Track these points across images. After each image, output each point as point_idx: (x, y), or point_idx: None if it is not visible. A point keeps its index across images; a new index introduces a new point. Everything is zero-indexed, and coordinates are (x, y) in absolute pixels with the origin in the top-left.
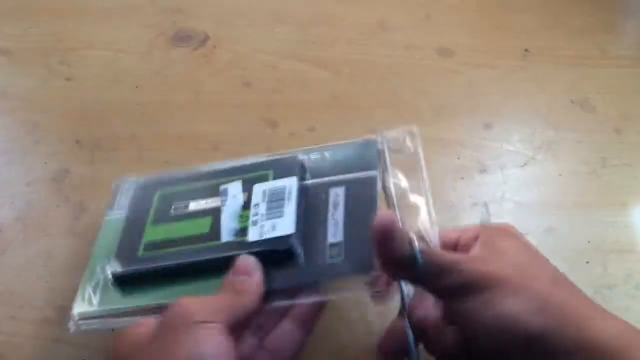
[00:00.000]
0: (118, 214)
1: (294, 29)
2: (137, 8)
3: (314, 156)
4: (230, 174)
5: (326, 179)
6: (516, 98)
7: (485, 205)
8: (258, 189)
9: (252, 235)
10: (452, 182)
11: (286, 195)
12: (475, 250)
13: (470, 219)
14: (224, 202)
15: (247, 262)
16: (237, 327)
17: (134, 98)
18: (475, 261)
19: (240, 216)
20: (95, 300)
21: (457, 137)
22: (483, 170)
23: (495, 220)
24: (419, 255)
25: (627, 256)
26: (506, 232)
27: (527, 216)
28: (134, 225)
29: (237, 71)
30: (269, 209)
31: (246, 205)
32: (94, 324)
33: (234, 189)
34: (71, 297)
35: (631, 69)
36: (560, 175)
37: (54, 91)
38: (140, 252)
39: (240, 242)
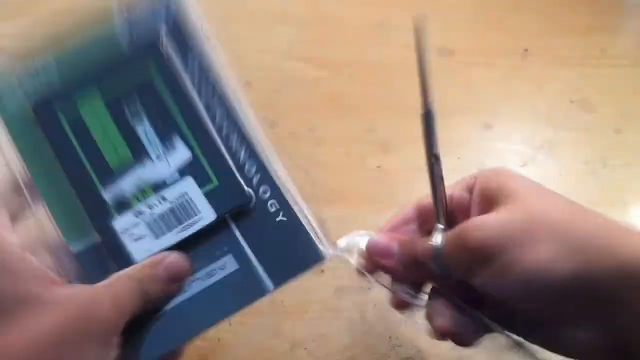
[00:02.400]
0: None
1: (294, 29)
2: None
3: None
4: None
5: None
6: (516, 98)
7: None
8: None
9: None
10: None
11: None
12: (475, 207)
13: None
14: None
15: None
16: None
17: None
18: (485, 227)
19: None
20: None
21: (457, 137)
22: None
23: None
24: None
25: None
26: (503, 174)
27: None
28: None
29: (237, 71)
30: None
31: None
32: None
33: None
34: None
35: (631, 69)
36: (560, 175)
37: None
38: None
39: None
